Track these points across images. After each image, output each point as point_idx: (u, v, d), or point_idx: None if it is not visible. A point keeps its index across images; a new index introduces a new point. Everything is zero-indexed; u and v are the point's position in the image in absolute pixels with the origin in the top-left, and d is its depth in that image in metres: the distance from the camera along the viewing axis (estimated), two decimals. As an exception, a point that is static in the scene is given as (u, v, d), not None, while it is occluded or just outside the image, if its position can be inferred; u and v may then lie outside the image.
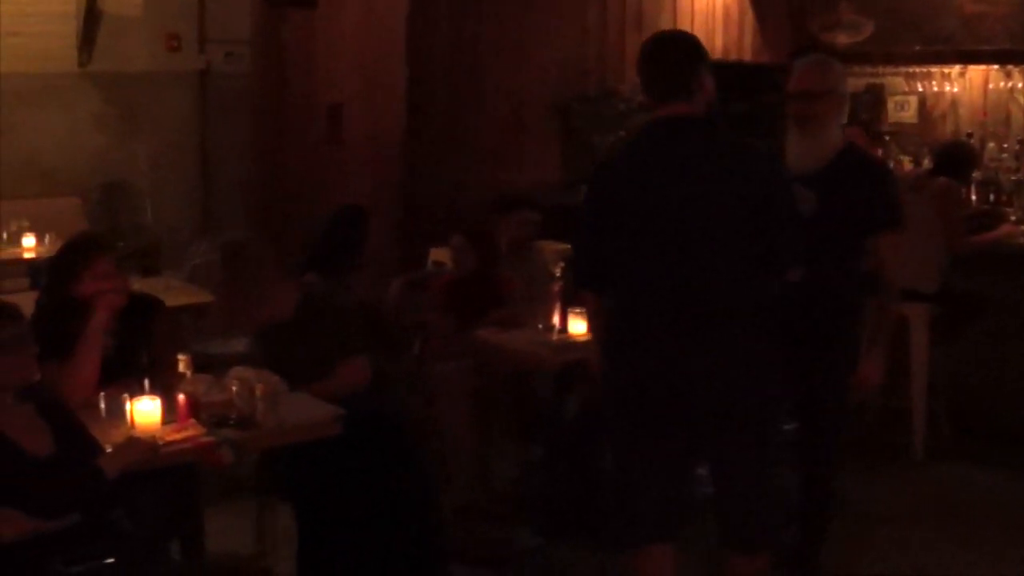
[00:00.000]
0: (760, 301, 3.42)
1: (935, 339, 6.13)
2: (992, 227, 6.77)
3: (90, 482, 3.46)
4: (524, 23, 9.00)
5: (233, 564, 4.59)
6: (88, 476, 3.46)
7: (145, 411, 3.74)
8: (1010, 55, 9.03)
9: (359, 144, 8.41)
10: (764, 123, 6.26)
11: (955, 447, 6.18)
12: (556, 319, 5.06)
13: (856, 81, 9.64)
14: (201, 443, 3.68)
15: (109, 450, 3.57)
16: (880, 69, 9.86)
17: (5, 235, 7.38)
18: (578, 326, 4.96)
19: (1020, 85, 9.11)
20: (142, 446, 3.58)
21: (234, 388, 3.89)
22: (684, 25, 9.63)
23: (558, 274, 5.54)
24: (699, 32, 9.41)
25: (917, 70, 9.68)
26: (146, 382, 3.81)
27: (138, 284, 5.03)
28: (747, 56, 10.43)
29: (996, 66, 9.20)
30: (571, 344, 4.94)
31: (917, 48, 9.56)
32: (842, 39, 9.83)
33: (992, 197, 7.75)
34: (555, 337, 5.02)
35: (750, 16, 10.47)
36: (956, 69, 9.45)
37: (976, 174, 7.48)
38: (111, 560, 3.55)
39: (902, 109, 9.78)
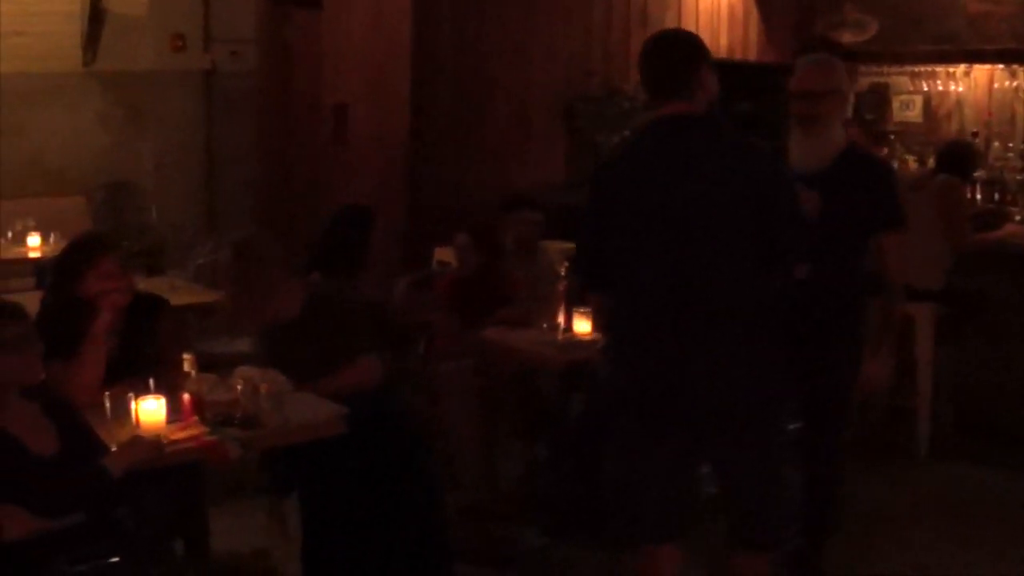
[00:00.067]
0: (762, 301, 3.42)
1: (939, 339, 6.13)
2: (997, 226, 6.76)
3: (95, 481, 3.46)
4: (528, 23, 8.99)
5: (237, 563, 4.60)
6: (93, 475, 3.46)
7: (150, 410, 3.74)
8: (1015, 55, 9.02)
9: (364, 144, 8.41)
10: (769, 122, 6.25)
11: (957, 447, 6.17)
12: (561, 318, 5.06)
13: (861, 80, 9.66)
14: (205, 442, 3.69)
15: (114, 449, 3.58)
16: (885, 68, 9.85)
17: (10, 234, 7.40)
18: (583, 325, 4.97)
19: (1025, 84, 9.12)
20: (147, 445, 3.59)
21: (239, 387, 3.89)
22: (689, 24, 9.61)
23: (563, 273, 5.55)
24: (704, 31, 9.41)
25: (922, 69, 9.66)
26: (151, 381, 3.81)
27: (143, 283, 5.04)
28: (752, 55, 10.41)
29: (1001, 65, 9.19)
30: (576, 343, 4.95)
31: (922, 47, 9.56)
32: (847, 38, 9.82)
33: (997, 196, 7.76)
34: (560, 336, 5.03)
35: (755, 15, 10.46)
36: (961, 68, 9.44)
37: (981, 173, 7.48)
38: (115, 559, 3.56)
39: (907, 108, 9.77)
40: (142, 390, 3.78)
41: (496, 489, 5.45)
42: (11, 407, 3.47)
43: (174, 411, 3.80)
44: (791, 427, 4.05)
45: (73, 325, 4.04)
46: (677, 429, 3.43)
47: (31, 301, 4.23)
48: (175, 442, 3.67)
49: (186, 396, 3.83)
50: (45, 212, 7.59)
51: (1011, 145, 8.72)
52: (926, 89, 9.65)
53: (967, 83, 9.41)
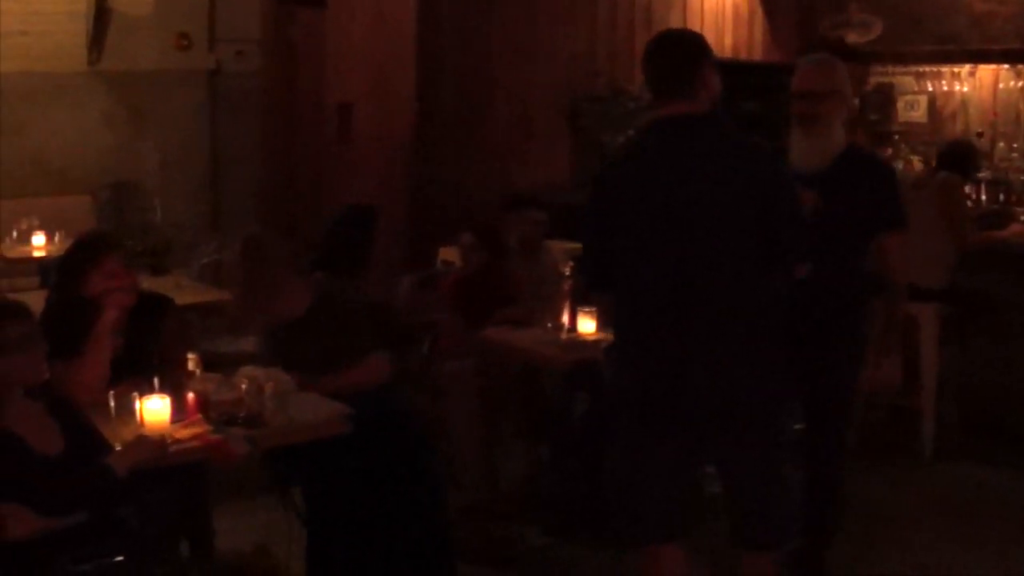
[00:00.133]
0: (764, 301, 3.42)
1: (944, 338, 6.13)
2: (1002, 226, 6.77)
3: (99, 481, 3.46)
4: (533, 22, 9.01)
5: (241, 563, 4.60)
6: (97, 475, 3.46)
7: (154, 409, 3.74)
8: (1020, 55, 9.02)
9: (367, 144, 8.42)
10: (774, 122, 6.25)
11: (961, 447, 6.17)
12: (565, 318, 5.06)
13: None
14: (210, 441, 3.69)
15: (118, 448, 3.58)
16: (890, 68, 9.86)
17: (15, 234, 7.41)
18: (587, 325, 4.97)
19: (1030, 85, 9.11)
20: (151, 444, 3.59)
21: (243, 387, 3.90)
22: (694, 24, 9.62)
23: (567, 273, 5.55)
24: (708, 31, 9.42)
25: (927, 69, 9.67)
26: (155, 380, 3.81)
27: (147, 283, 5.05)
28: (757, 55, 10.43)
29: (1006, 66, 9.19)
30: (580, 343, 4.95)
31: (927, 48, 9.55)
32: (852, 38, 9.83)
33: (1002, 197, 7.76)
34: (564, 336, 5.03)
35: (760, 15, 10.47)
36: (966, 68, 9.44)
37: (986, 174, 7.47)
38: (120, 558, 3.56)
39: (912, 109, 9.77)
40: (146, 389, 3.78)
41: (499, 488, 5.45)
42: (15, 406, 3.47)
43: (178, 410, 3.79)
44: (795, 428, 4.05)
45: (77, 324, 4.04)
46: (679, 429, 3.43)
47: (35, 300, 4.24)
48: (179, 441, 3.67)
49: (190, 395, 3.83)
50: (49, 211, 7.59)
51: (1016, 145, 8.72)
52: (931, 89, 9.65)
53: (972, 83, 9.41)
